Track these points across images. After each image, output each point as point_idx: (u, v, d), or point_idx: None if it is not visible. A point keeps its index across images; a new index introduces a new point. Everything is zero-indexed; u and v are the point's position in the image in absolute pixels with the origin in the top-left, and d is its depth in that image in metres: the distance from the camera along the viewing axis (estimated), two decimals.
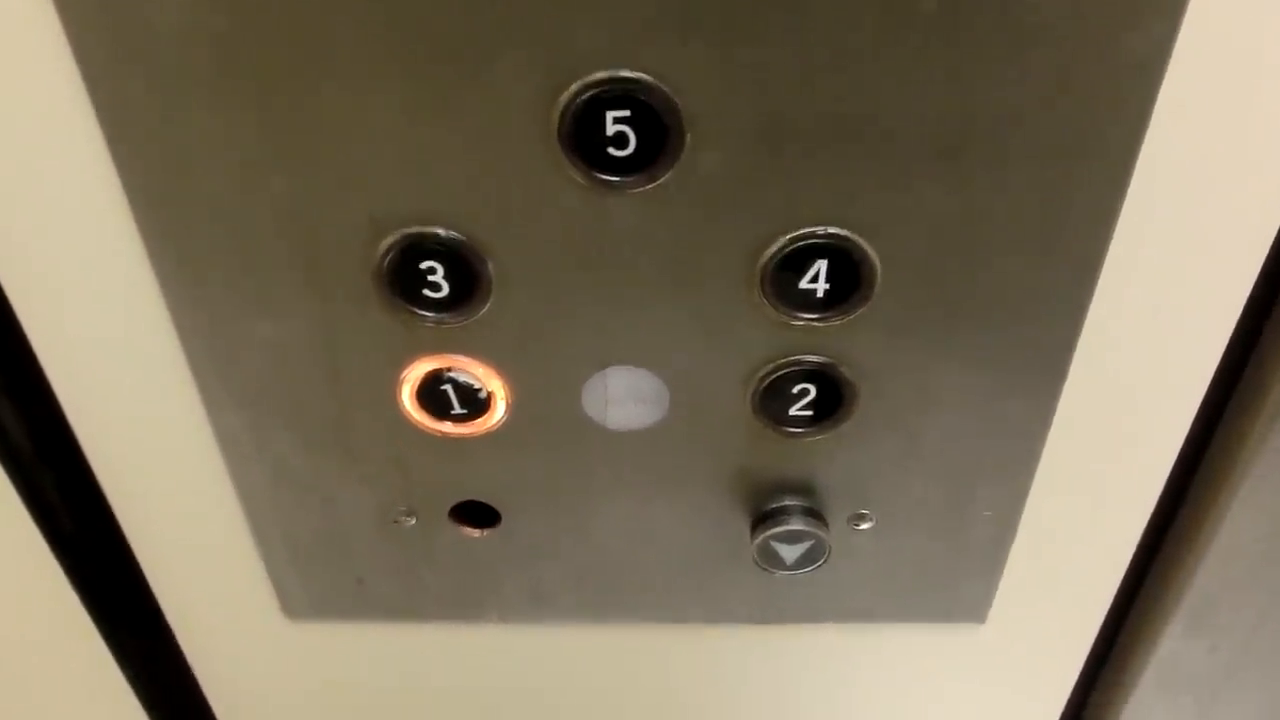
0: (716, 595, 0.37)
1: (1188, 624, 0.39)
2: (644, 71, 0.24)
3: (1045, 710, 0.44)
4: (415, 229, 0.27)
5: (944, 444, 0.32)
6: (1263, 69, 0.25)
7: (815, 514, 0.32)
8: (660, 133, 0.25)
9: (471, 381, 0.30)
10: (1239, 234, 0.28)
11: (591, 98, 0.25)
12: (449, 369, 0.30)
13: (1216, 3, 0.24)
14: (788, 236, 0.27)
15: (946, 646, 0.40)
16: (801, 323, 0.29)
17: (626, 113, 0.25)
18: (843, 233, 0.27)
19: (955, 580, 0.36)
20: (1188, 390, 0.32)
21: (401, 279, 0.28)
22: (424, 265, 0.28)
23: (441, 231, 0.27)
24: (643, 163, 0.26)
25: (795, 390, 0.30)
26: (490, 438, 0.32)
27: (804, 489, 0.33)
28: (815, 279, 0.28)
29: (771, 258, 0.27)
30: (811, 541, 0.32)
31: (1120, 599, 0.40)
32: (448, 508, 0.34)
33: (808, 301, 0.28)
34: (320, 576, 0.38)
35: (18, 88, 0.26)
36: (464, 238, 0.27)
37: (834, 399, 0.30)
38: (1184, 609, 0.39)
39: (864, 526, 0.34)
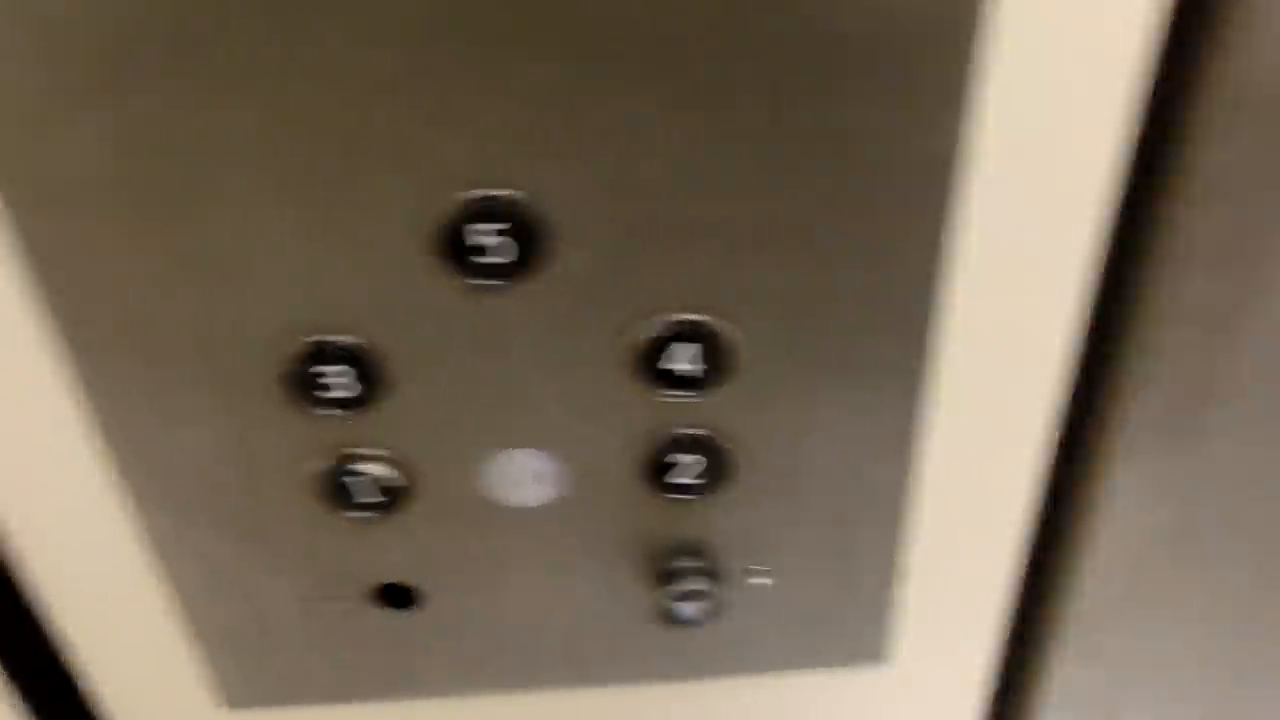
0: (629, 657, 0.39)
1: (1078, 648, 0.42)
2: (512, 187, 0.27)
3: None
4: (314, 337, 0.29)
5: (820, 497, 0.34)
6: (1054, 151, 0.29)
7: (709, 572, 0.35)
8: (530, 239, 0.28)
9: (375, 471, 0.33)
10: (1048, 310, 0.32)
11: (465, 212, 0.27)
12: (354, 461, 0.32)
13: (1006, 102, 0.28)
14: (654, 324, 0.30)
15: (855, 690, 0.42)
16: (675, 399, 0.31)
17: (498, 225, 0.27)
18: (704, 318, 0.30)
19: (850, 624, 0.39)
20: (1031, 436, 0.35)
21: (304, 382, 0.30)
22: (324, 369, 0.30)
23: (338, 338, 0.30)
24: (516, 267, 0.28)
25: (677, 461, 0.33)
26: (399, 522, 0.34)
27: (696, 550, 0.35)
28: (683, 360, 0.30)
29: (641, 344, 0.30)
30: (707, 599, 0.35)
31: (1015, 630, 0.42)
32: (367, 591, 0.36)
33: (679, 381, 0.31)
34: (257, 665, 0.39)
35: None
36: (359, 341, 0.30)
37: (714, 466, 0.33)
38: (1071, 634, 0.41)
39: (757, 580, 0.36)
